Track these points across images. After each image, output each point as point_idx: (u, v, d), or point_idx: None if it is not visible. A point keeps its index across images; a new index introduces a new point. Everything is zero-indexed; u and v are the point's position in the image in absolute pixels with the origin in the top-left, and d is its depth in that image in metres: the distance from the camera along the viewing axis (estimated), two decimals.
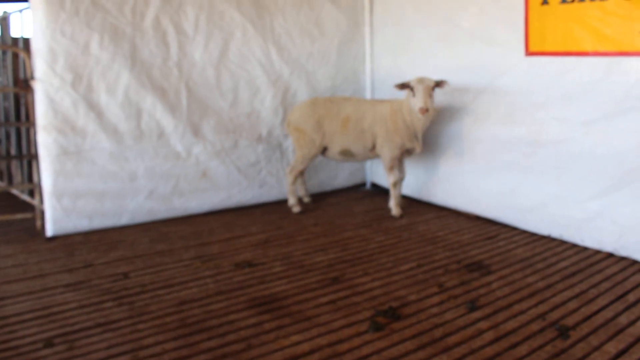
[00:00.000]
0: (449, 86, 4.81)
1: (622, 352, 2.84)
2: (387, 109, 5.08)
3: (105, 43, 4.67)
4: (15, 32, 5.99)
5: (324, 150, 5.39)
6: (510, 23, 4.64)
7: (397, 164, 5.20)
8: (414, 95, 4.71)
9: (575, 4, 4.16)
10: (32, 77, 4.52)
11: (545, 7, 4.35)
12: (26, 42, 5.41)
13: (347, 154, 5.32)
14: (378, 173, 6.38)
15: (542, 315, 3.22)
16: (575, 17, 4.18)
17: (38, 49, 4.45)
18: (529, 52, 4.54)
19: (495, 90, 4.87)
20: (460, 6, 5.06)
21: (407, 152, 5.19)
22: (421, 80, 4.70)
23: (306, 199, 5.81)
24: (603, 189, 4.18)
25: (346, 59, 6.08)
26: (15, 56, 5.98)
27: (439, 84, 4.75)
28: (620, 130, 4.03)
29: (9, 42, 5.95)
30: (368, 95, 6.23)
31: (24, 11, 5.65)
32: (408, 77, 4.89)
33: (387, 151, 5.10)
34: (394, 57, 5.90)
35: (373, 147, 5.20)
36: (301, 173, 5.54)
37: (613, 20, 3.96)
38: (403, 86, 4.81)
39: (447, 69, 4.90)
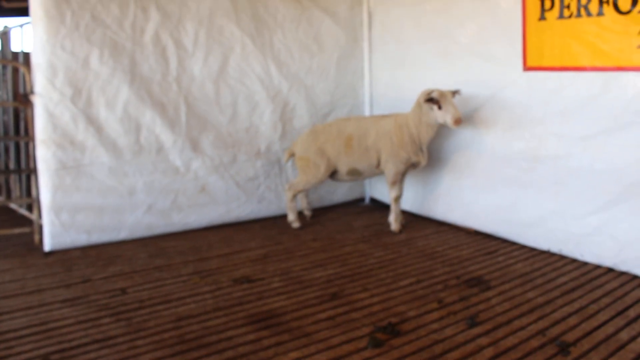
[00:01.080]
0: (460, 95, 4.84)
1: None
2: (391, 124, 5.07)
3: (105, 58, 4.69)
4: (15, 46, 6.02)
5: (333, 174, 5.38)
6: (508, 39, 4.66)
7: (401, 178, 5.19)
8: (439, 107, 4.68)
9: (572, 20, 4.19)
10: (32, 92, 4.53)
11: (543, 22, 4.37)
12: (26, 56, 5.42)
13: (354, 173, 5.31)
14: (377, 188, 6.38)
15: (542, 331, 3.20)
16: (572, 32, 4.20)
17: (38, 63, 4.46)
18: (526, 68, 4.56)
19: (493, 105, 4.89)
20: (459, 22, 5.09)
21: (412, 166, 5.17)
22: (443, 93, 4.69)
23: (307, 213, 5.78)
24: (602, 204, 4.18)
25: (345, 74, 6.11)
26: (15, 70, 6.00)
27: (453, 93, 4.77)
28: (618, 145, 4.03)
29: (9, 56, 5.97)
30: (367, 110, 6.25)
31: (24, 26, 5.68)
32: (407, 92, 4.91)
33: (391, 166, 5.09)
34: (393, 72, 5.93)
35: (378, 164, 5.19)
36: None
37: (610, 36, 3.99)
38: (430, 100, 4.73)
39: (446, 85, 4.91)
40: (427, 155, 5.11)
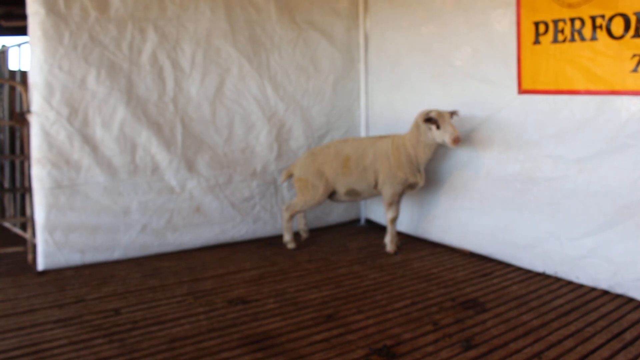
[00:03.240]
0: (458, 116, 4.84)
1: None
2: (389, 145, 5.09)
3: (102, 78, 4.70)
4: (13, 65, 6.03)
5: (331, 195, 5.38)
6: (503, 62, 4.71)
7: (398, 199, 5.19)
8: (437, 127, 4.69)
9: (566, 44, 4.23)
10: (28, 111, 4.53)
11: (537, 46, 4.42)
12: (23, 75, 5.44)
13: (352, 194, 5.31)
14: (372, 209, 6.38)
15: (538, 354, 3.18)
16: (566, 56, 4.25)
17: (35, 82, 4.48)
18: (521, 91, 4.60)
19: (489, 128, 4.91)
20: (454, 45, 5.14)
21: (409, 187, 5.16)
22: (441, 113, 4.70)
23: (304, 234, 5.75)
24: (597, 226, 4.19)
25: (341, 96, 6.14)
26: (12, 89, 6.00)
27: (451, 114, 4.78)
28: (613, 167, 4.06)
29: (6, 75, 5.98)
30: (363, 132, 6.27)
31: (22, 45, 5.70)
32: (403, 114, 4.93)
33: (388, 187, 5.09)
34: (389, 94, 5.96)
35: (376, 184, 5.19)
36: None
37: (603, 60, 4.03)
38: (429, 120, 4.74)
39: (442, 107, 4.93)
40: (425, 176, 5.12)
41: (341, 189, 5.28)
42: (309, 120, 5.91)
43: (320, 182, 5.24)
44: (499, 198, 4.88)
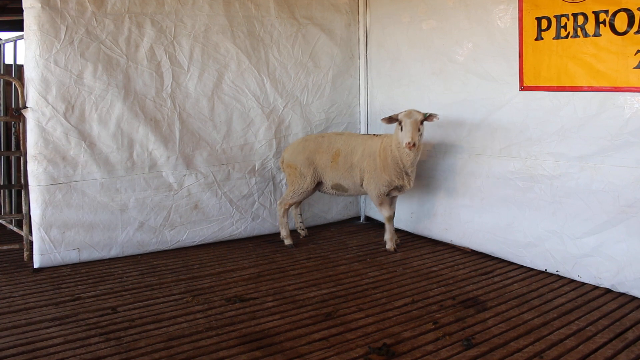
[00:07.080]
0: (438, 119, 4.69)
1: None
2: (378, 145, 5.00)
3: (98, 73, 4.66)
4: (8, 60, 5.96)
5: (318, 185, 5.34)
6: (504, 58, 4.66)
7: (387, 199, 5.11)
8: (401, 129, 4.61)
9: (569, 40, 4.19)
10: (24, 106, 4.48)
11: (539, 42, 4.38)
12: (19, 70, 5.38)
13: (339, 189, 5.27)
14: (372, 206, 6.34)
15: (539, 354, 3.15)
16: (569, 52, 4.21)
17: (31, 78, 4.43)
18: (523, 87, 4.56)
19: (490, 125, 4.87)
20: (455, 41, 5.10)
21: (396, 190, 5.05)
22: (409, 114, 4.58)
23: (301, 232, 5.73)
24: (599, 224, 4.15)
25: (340, 92, 6.10)
26: (8, 84, 5.94)
27: (427, 117, 4.64)
28: (615, 165, 4.02)
29: (2, 70, 5.92)
30: (363, 129, 6.22)
31: (18, 40, 5.63)
32: (403, 111, 4.87)
33: (373, 188, 5.01)
34: (389, 91, 5.92)
35: (362, 183, 5.13)
36: (295, 206, 5.48)
37: (606, 56, 3.99)
38: (391, 119, 4.69)
39: (442, 103, 4.90)
40: (413, 179, 4.95)
41: (328, 182, 5.25)
42: (308, 117, 5.87)
43: (308, 172, 5.20)
44: (500, 196, 4.85)
